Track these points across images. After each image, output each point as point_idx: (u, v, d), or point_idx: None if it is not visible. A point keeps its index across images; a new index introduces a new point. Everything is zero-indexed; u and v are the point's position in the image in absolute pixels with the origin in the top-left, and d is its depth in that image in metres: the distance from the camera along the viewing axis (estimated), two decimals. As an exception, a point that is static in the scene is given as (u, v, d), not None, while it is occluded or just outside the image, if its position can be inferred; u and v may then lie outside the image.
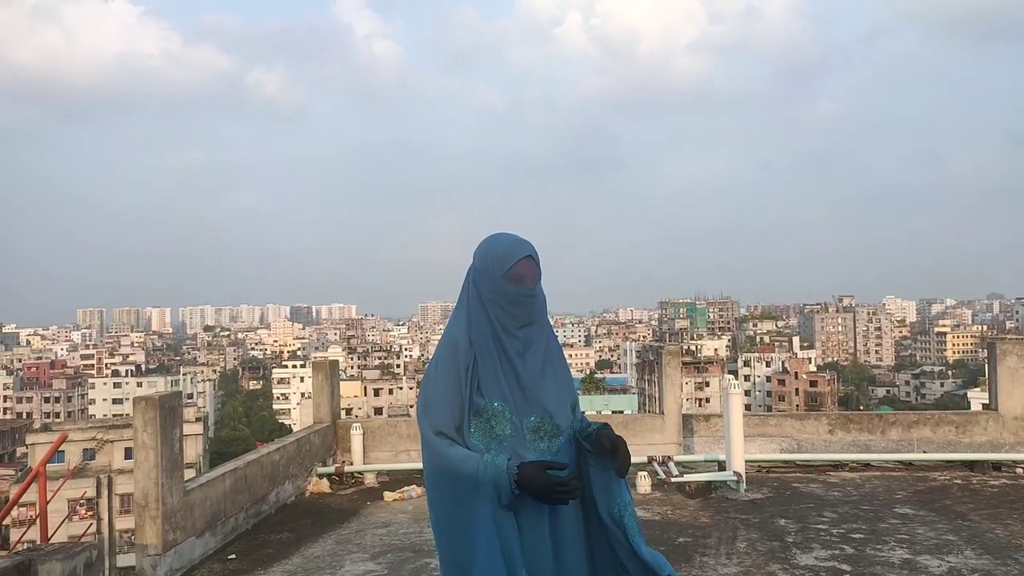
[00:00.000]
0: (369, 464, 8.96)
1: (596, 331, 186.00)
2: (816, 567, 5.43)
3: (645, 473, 8.02)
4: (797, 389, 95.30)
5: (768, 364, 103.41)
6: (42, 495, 5.47)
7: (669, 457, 8.63)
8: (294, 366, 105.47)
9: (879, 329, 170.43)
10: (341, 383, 10.22)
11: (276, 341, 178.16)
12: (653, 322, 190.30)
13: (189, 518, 5.68)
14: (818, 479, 8.29)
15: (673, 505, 7.31)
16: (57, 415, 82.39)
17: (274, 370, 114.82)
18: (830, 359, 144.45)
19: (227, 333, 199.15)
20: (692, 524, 6.64)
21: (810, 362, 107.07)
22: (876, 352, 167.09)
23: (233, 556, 6.04)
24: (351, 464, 8.83)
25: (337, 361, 9.96)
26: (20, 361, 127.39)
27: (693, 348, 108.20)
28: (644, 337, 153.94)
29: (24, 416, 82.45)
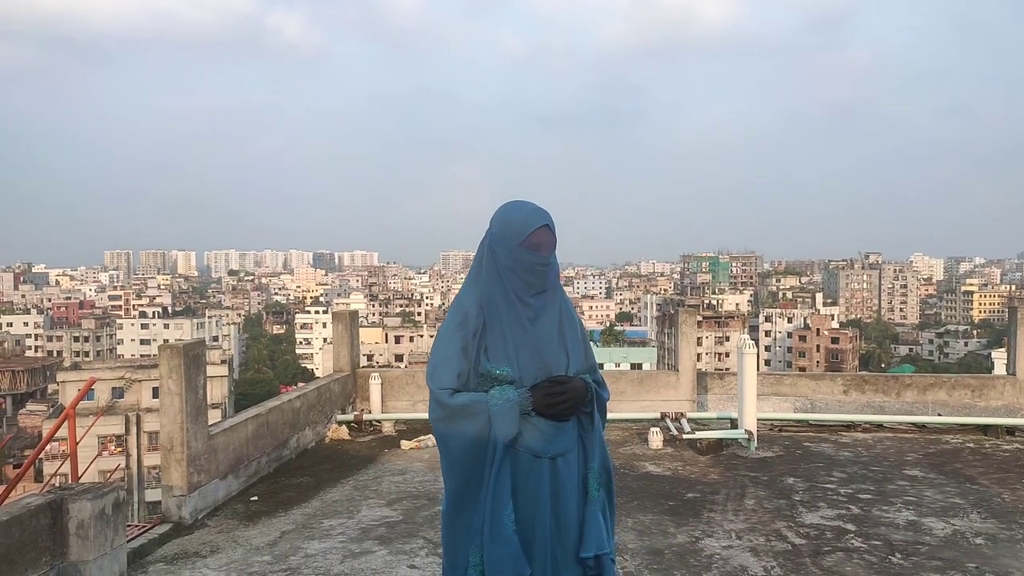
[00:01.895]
0: (387, 413, 9.17)
1: (617, 283, 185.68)
2: (821, 526, 5.53)
3: (657, 429, 8.14)
4: (819, 346, 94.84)
5: (790, 320, 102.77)
6: (72, 436, 5.69)
7: (682, 414, 8.74)
8: (316, 312, 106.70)
9: (905, 287, 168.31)
10: (362, 330, 10.38)
11: (299, 287, 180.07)
12: (675, 275, 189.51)
13: (213, 461, 5.89)
14: (830, 439, 8.37)
15: (684, 461, 7.43)
16: (86, 354, 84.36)
17: (297, 315, 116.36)
18: (853, 316, 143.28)
19: (251, 278, 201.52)
20: (701, 480, 6.77)
21: (833, 319, 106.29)
22: (901, 310, 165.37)
23: (255, 498, 6.27)
24: (369, 412, 9.05)
25: (357, 311, 10.11)
26: (50, 301, 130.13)
27: (714, 303, 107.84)
28: (665, 290, 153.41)
29: (54, 354, 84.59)
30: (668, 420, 8.64)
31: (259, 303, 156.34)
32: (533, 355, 2.40)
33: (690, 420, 8.67)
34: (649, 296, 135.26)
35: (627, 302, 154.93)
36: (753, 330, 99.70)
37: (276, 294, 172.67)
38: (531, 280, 2.44)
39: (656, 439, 7.99)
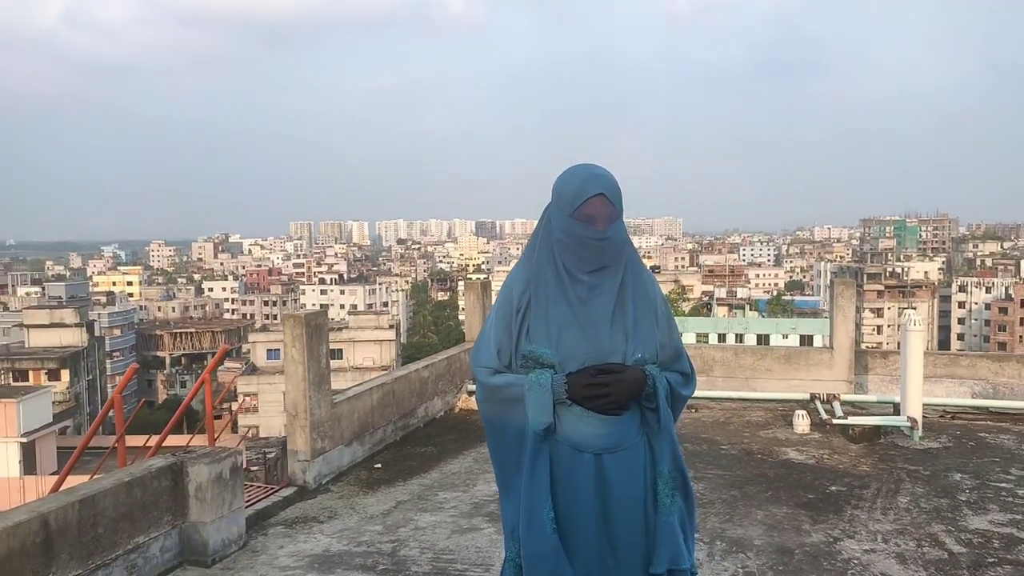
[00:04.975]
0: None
1: (787, 250, 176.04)
2: (988, 532, 4.79)
3: (804, 412, 7.47)
4: (1022, 319, 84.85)
5: (988, 290, 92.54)
6: (208, 401, 6.06)
7: (835, 396, 7.97)
8: (478, 279, 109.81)
9: None
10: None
11: (462, 255, 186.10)
12: (854, 241, 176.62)
13: (337, 428, 6.05)
14: (1012, 430, 7.30)
15: (832, 449, 6.76)
16: (275, 317, 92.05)
17: (459, 282, 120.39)
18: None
19: (418, 246, 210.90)
20: (849, 472, 6.11)
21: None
22: None
23: (379, 465, 6.40)
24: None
25: (489, 282, 10.08)
26: (243, 268, 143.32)
27: (899, 271, 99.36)
28: (842, 257, 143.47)
29: (247, 317, 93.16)
30: (818, 402, 7.91)
31: (425, 270, 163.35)
32: (579, 337, 2.12)
33: (844, 403, 7.89)
34: (823, 264, 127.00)
35: (798, 270, 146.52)
36: (945, 300, 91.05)
37: (440, 262, 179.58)
38: (584, 255, 2.15)
39: (802, 423, 7.34)
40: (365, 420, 6.49)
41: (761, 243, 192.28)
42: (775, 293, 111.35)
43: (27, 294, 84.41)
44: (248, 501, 5.36)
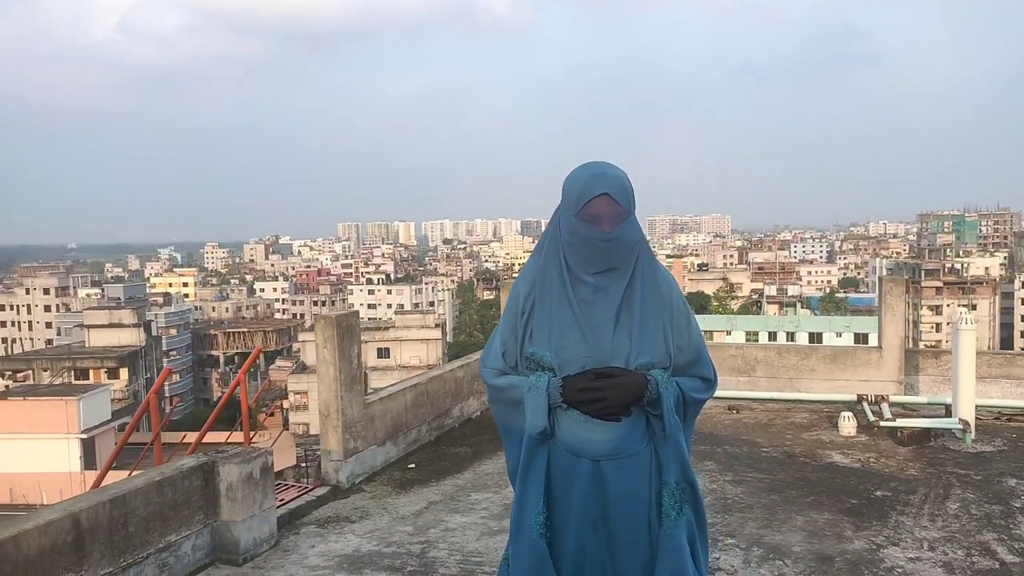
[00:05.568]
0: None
1: (841, 247, 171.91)
2: (1044, 543, 4.55)
3: (850, 413, 7.22)
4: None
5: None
6: (244, 400, 6.14)
7: (883, 397, 7.69)
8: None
9: None
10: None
11: (507, 254, 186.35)
12: (910, 237, 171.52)
13: (370, 428, 6.06)
14: (1074, 434, 6.94)
15: (878, 452, 6.52)
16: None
17: (505, 282, 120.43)
18: None
19: (463, 246, 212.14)
20: (896, 476, 5.88)
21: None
22: None
23: (412, 465, 6.39)
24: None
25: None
26: (293, 269, 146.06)
27: (958, 267, 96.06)
28: (898, 253, 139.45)
29: (297, 316, 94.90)
30: (865, 403, 7.64)
31: (470, 270, 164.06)
32: (579, 340, 2.06)
33: (893, 405, 7.61)
34: (878, 260, 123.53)
35: (852, 267, 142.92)
36: (1007, 297, 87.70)
37: (486, 261, 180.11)
38: (590, 256, 2.07)
39: (848, 425, 7.10)
40: (399, 420, 6.49)
41: (813, 240, 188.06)
42: (828, 290, 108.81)
43: (88, 295, 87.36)
44: (282, 500, 5.41)
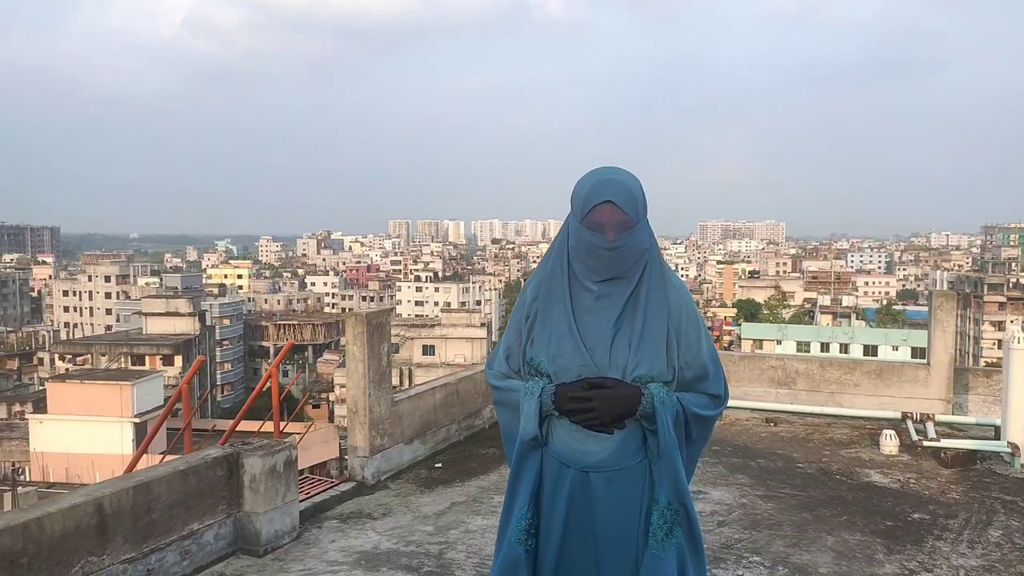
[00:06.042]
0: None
1: (900, 257, 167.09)
2: (1091, 578, 4.31)
3: (893, 432, 6.98)
4: None
5: None
6: (275, 394, 6.23)
7: (929, 416, 7.41)
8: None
9: None
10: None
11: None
12: (974, 249, 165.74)
13: (398, 426, 6.09)
14: None
15: (920, 473, 6.28)
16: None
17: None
18: None
19: (512, 246, 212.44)
20: (936, 499, 5.65)
21: None
22: None
23: (439, 465, 6.40)
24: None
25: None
26: (344, 264, 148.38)
27: (1023, 282, 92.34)
28: (960, 266, 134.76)
29: (346, 311, 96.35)
30: (909, 422, 7.38)
31: (518, 270, 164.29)
32: (575, 348, 2.02)
33: (939, 424, 7.34)
34: (939, 272, 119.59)
35: (912, 278, 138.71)
36: (1020, 325, 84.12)
37: (534, 262, 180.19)
38: (593, 264, 2.04)
39: (890, 443, 6.86)
40: (427, 419, 6.50)
41: (872, 249, 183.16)
42: (885, 302, 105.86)
43: (147, 284, 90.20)
44: (308, 493, 5.47)
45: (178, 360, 57.74)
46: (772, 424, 7.81)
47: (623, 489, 2.00)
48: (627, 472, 2.01)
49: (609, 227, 2.00)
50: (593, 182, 2.04)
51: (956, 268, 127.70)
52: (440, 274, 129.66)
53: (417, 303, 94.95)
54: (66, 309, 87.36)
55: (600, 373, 2.00)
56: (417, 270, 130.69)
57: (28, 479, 31.05)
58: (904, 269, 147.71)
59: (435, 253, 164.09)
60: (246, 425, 7.23)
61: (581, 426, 2.00)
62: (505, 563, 2.07)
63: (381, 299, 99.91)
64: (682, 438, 2.04)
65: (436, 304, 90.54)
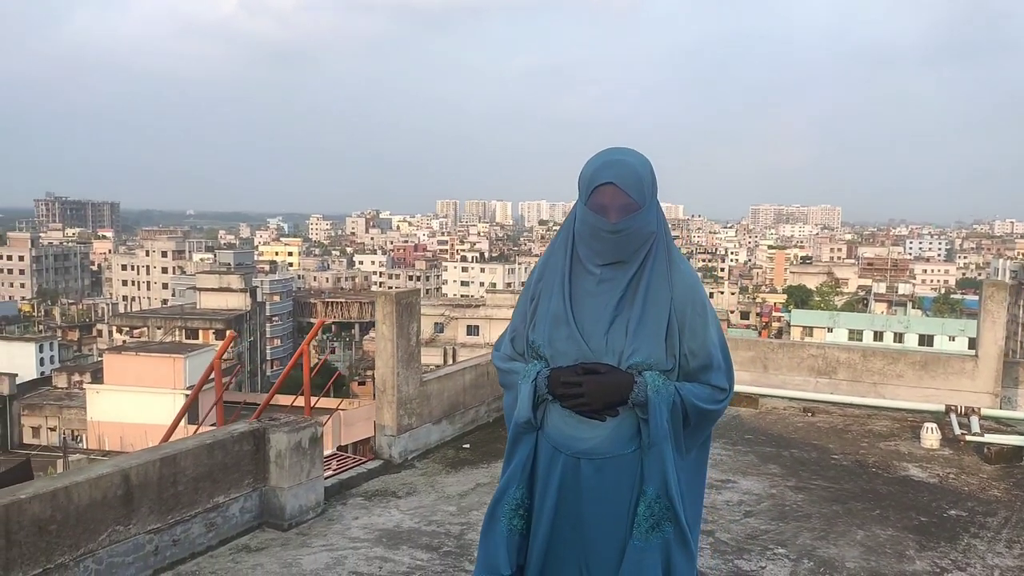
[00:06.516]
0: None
1: (961, 244, 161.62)
2: None
3: (934, 425, 6.76)
4: None
5: None
6: (306, 371, 6.32)
7: (974, 409, 7.16)
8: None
9: None
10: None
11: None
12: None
13: (426, 406, 6.13)
14: None
15: (960, 468, 6.08)
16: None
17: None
18: None
19: (559, 227, 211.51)
20: (975, 496, 5.46)
21: None
22: None
23: (467, 446, 6.43)
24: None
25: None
26: (392, 243, 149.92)
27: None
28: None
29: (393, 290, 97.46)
30: (953, 415, 7.14)
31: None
32: (571, 333, 1.99)
33: (985, 418, 7.08)
34: (1001, 261, 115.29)
35: (973, 267, 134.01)
36: None
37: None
38: (596, 247, 2.00)
39: (931, 437, 6.65)
40: (456, 400, 6.53)
41: (932, 236, 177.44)
42: (943, 291, 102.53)
43: (201, 260, 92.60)
44: (336, 470, 5.56)
45: (229, 335, 59.23)
46: (809, 414, 7.64)
47: (613, 477, 1.97)
48: (618, 461, 1.97)
49: (611, 209, 1.96)
50: (597, 164, 2.00)
51: (1020, 257, 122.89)
52: (486, 255, 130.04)
53: (463, 283, 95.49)
54: (124, 283, 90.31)
55: (595, 358, 1.97)
56: (463, 250, 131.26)
57: (85, 447, 32.34)
58: (965, 257, 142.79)
59: (482, 233, 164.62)
60: (282, 399, 7.35)
61: (573, 411, 1.97)
62: (487, 544, 2.10)
63: (427, 278, 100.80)
64: (679, 430, 1.99)
65: (482, 284, 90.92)
